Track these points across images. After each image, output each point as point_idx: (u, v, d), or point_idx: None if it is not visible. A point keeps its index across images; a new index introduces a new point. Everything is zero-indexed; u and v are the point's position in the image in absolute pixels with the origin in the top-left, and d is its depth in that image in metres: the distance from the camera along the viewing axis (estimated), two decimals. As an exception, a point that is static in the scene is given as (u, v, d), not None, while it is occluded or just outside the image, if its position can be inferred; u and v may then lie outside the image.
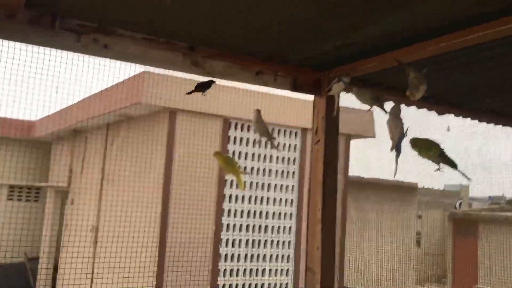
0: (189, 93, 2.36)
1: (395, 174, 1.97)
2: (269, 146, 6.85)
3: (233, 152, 6.65)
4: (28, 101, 5.33)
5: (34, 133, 10.11)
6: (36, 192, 10.66)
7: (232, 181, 6.53)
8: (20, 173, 9.77)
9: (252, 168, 6.72)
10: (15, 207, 9.88)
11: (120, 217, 6.55)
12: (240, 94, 6.49)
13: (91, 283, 7.15)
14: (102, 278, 6.72)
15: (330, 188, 2.30)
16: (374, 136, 7.85)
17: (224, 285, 6.24)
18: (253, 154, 6.78)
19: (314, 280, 2.22)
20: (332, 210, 2.27)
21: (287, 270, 6.62)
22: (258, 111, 2.38)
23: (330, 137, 2.32)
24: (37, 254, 9.34)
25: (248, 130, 6.79)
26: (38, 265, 8.88)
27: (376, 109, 2.25)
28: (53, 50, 3.11)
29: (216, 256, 6.26)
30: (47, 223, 9.18)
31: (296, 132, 7.15)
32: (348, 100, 2.42)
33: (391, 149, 1.96)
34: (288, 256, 6.65)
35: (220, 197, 6.42)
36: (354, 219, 10.22)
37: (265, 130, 2.37)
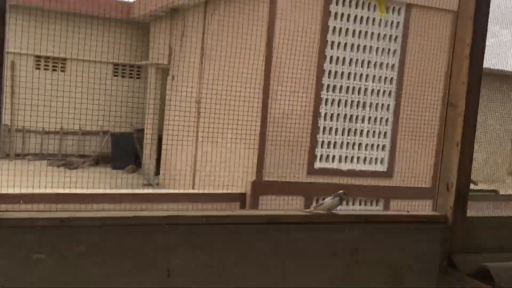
0: None
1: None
2: (370, 24, 6.71)
3: (334, 28, 6.59)
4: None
5: (133, 14, 10.50)
6: (138, 70, 11.35)
7: (331, 56, 6.56)
8: (123, 52, 10.36)
9: (352, 45, 6.67)
10: (120, 83, 10.63)
11: (222, 90, 6.88)
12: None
13: (195, 151, 7.78)
14: (206, 148, 7.28)
15: (480, 25, 2.29)
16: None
17: (321, 155, 6.57)
18: (354, 31, 6.67)
19: (456, 113, 2.31)
20: (482, 43, 2.28)
21: (383, 146, 6.79)
22: None
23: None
24: (142, 126, 10.20)
25: (350, 5, 6.62)
26: (144, 135, 9.74)
27: None
28: None
29: (314, 128, 6.52)
30: (149, 97, 9.85)
31: (399, 8, 6.87)
32: None
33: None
34: (385, 132, 6.78)
35: (320, 72, 6.51)
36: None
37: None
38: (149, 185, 9.06)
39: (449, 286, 2.21)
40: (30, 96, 7.98)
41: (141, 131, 10.09)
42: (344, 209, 6.67)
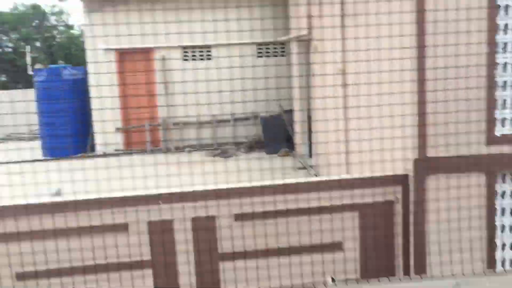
0: None
1: None
2: None
3: None
4: None
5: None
6: (282, 47, 10.72)
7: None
8: (264, 31, 9.85)
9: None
10: (265, 63, 10.12)
11: (368, 56, 5.78)
12: None
13: (345, 126, 6.85)
14: (356, 122, 6.29)
15: None
16: None
17: (504, 118, 5.02)
18: None
19: None
20: None
21: None
22: None
23: None
24: (291, 106, 9.58)
25: None
26: (293, 116, 9.11)
27: None
28: None
29: (491, 83, 4.99)
30: (294, 73, 9.16)
31: None
32: None
33: None
34: None
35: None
36: None
37: None
38: (303, 168, 8.39)
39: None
40: (181, 89, 7.83)
41: (290, 111, 9.46)
42: None
